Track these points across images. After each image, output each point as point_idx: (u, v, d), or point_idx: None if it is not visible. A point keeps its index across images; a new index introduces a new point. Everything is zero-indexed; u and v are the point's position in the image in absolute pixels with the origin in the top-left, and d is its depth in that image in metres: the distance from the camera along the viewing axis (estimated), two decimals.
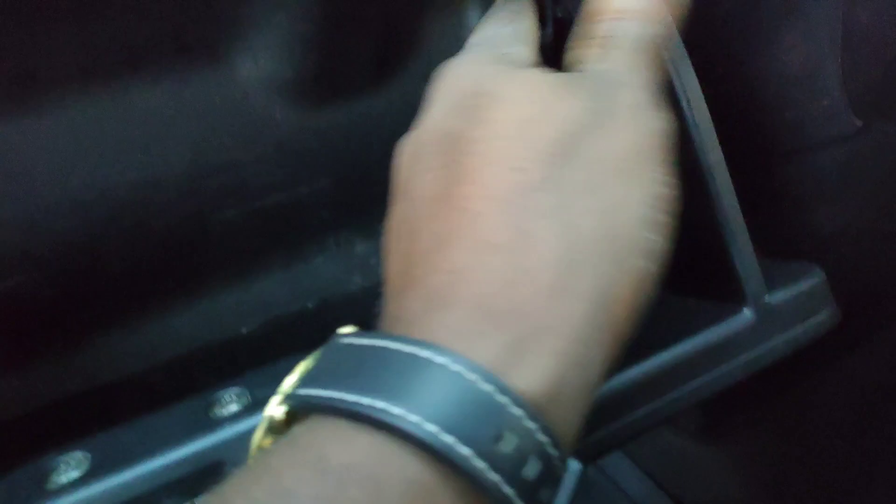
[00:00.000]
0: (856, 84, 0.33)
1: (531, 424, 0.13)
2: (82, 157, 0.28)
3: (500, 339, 0.14)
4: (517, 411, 0.13)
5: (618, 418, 0.26)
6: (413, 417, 0.13)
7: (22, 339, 0.28)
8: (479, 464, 0.13)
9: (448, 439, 0.13)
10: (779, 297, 0.30)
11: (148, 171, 0.30)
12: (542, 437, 0.13)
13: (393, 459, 0.13)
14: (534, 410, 0.13)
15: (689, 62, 0.28)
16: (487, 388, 0.13)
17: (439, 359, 0.13)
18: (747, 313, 0.29)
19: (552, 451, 0.14)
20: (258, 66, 0.31)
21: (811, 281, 0.31)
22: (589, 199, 0.16)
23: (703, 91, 0.29)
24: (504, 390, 0.13)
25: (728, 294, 0.29)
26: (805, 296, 0.31)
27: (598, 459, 0.26)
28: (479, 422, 0.13)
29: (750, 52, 0.36)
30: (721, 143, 0.29)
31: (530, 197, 0.16)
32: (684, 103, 0.28)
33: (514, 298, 0.15)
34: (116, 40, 0.28)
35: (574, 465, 0.24)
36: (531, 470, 0.13)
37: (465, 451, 0.13)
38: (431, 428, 0.13)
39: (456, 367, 0.13)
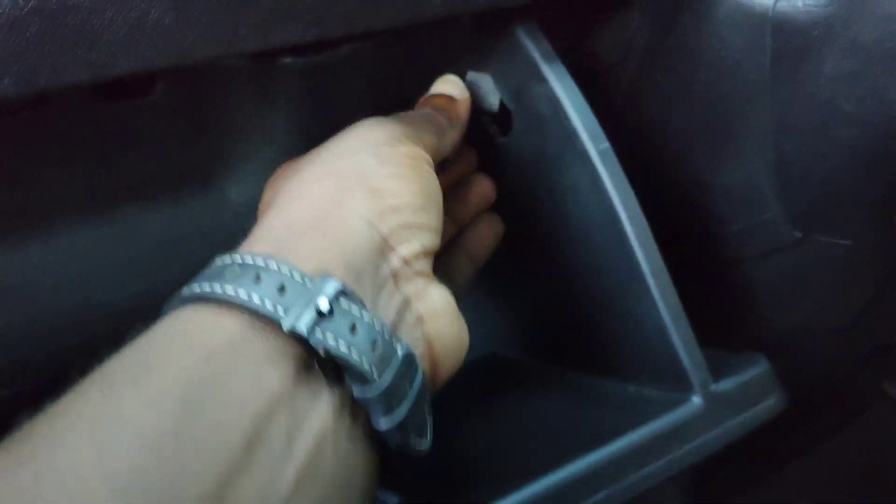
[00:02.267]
0: (792, 201, 0.36)
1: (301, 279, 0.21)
2: (84, 276, 0.32)
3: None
4: (295, 274, 0.20)
5: None
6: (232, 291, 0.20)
7: None
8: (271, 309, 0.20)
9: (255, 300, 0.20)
10: (726, 384, 0.32)
11: (146, 286, 0.33)
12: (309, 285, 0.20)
13: (223, 321, 0.20)
14: (300, 272, 0.21)
15: (622, 175, 0.32)
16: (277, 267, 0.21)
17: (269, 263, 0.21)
18: (696, 401, 0.31)
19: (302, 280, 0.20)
20: (246, 191, 0.35)
21: (757, 369, 0.33)
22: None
23: (659, 201, 0.32)
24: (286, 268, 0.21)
25: (676, 383, 0.32)
26: (751, 382, 0.33)
27: None
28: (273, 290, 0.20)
29: (698, 170, 0.40)
30: (676, 249, 0.32)
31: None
32: (623, 218, 0.31)
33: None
34: (119, 174, 0.31)
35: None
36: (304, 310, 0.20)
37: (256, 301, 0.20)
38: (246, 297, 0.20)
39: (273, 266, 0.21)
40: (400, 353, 0.21)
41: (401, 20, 0.28)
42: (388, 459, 0.23)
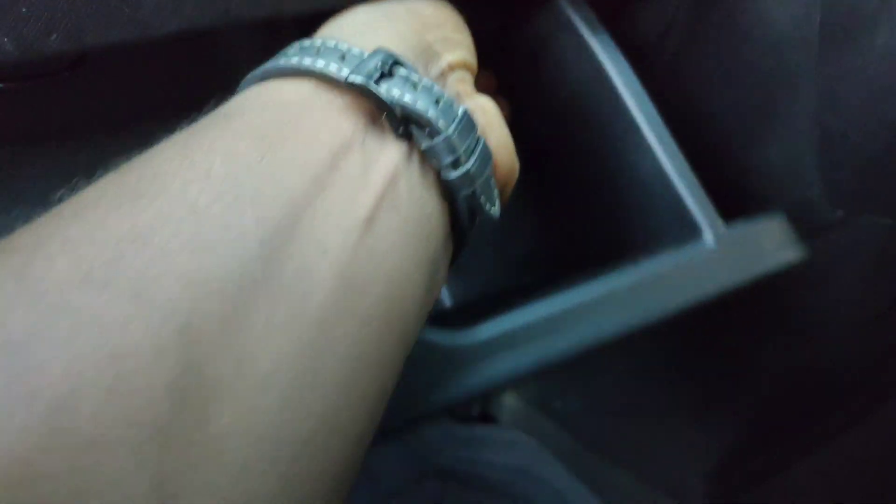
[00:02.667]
0: (835, 179, 0.36)
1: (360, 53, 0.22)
2: None
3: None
4: (353, 49, 0.22)
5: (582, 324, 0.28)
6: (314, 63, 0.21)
7: None
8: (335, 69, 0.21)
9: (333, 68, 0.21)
10: (738, 227, 0.32)
11: None
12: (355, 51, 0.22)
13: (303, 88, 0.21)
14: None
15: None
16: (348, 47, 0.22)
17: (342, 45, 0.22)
18: (707, 239, 0.31)
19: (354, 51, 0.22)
20: None
21: (772, 218, 0.33)
22: None
23: (698, 180, 0.33)
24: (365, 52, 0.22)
25: (685, 230, 0.31)
26: (766, 228, 0.32)
27: (563, 369, 0.28)
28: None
29: (738, 148, 0.39)
30: None
31: None
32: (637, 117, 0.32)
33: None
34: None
35: None
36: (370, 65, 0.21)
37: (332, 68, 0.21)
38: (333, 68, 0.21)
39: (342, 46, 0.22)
40: (460, 110, 0.22)
41: None
42: (461, 226, 0.24)
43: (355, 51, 0.21)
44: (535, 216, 0.42)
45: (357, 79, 0.20)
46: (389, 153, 0.21)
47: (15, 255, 0.15)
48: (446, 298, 0.52)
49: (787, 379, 0.48)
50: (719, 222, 0.31)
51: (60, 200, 0.17)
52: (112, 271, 0.15)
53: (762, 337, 0.45)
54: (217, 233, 0.16)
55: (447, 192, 0.23)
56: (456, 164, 0.22)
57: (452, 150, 0.22)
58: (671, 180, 0.31)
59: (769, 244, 0.32)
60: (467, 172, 0.22)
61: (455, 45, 0.26)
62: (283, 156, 0.18)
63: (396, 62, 0.22)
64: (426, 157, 0.22)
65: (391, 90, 0.21)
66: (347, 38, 0.23)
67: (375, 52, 0.22)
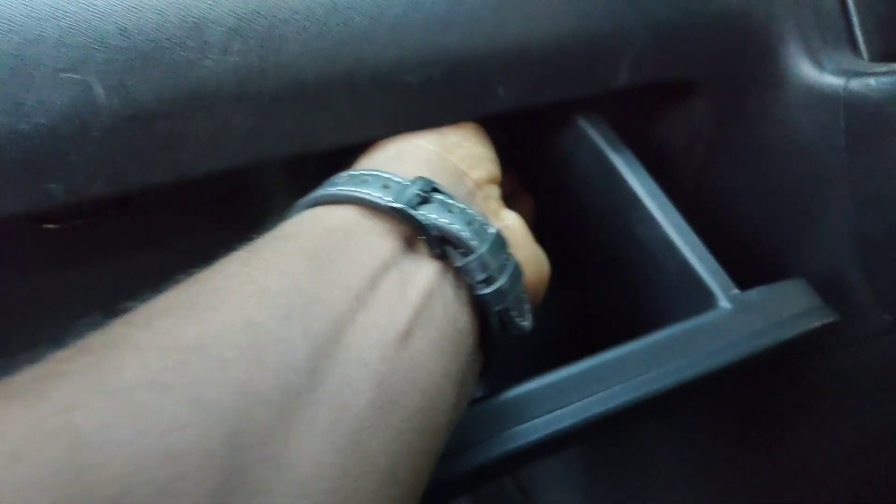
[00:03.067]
0: (881, 282, 0.35)
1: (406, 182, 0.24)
2: None
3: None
4: (395, 178, 0.24)
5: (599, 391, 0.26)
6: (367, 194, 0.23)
7: None
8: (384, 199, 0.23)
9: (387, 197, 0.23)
10: (754, 292, 0.31)
11: None
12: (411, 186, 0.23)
13: (355, 216, 0.23)
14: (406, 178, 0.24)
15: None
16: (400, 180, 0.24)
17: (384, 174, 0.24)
18: (723, 305, 0.30)
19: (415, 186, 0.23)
20: None
21: (791, 282, 0.32)
22: None
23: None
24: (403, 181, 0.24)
25: (700, 298, 0.31)
26: (784, 292, 0.31)
27: (584, 442, 0.26)
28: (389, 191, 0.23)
29: (776, 257, 0.38)
30: None
31: None
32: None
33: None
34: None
35: None
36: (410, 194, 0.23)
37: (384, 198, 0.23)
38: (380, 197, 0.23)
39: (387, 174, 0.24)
40: (492, 230, 0.24)
41: (470, 115, 0.29)
42: (492, 340, 0.25)
43: (397, 178, 0.23)
44: (560, 306, 0.42)
45: (398, 205, 0.22)
46: (425, 272, 0.22)
47: (88, 355, 0.16)
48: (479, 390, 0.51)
49: (855, 494, 0.44)
50: (733, 287, 0.31)
51: (127, 311, 0.18)
52: (175, 376, 0.16)
53: (824, 451, 0.43)
54: (269, 345, 0.17)
55: (480, 307, 0.24)
56: (489, 281, 0.23)
57: (485, 267, 0.23)
58: (680, 251, 0.32)
59: (792, 306, 0.31)
60: (499, 289, 0.23)
61: (478, 160, 0.28)
62: (329, 276, 0.20)
63: (435, 189, 0.24)
64: (460, 275, 0.23)
65: (428, 214, 0.22)
66: (381, 166, 0.25)
67: (416, 180, 0.23)
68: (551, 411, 0.26)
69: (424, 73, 0.26)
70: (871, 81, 0.32)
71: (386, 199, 0.22)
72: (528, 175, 0.39)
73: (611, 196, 0.34)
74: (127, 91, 0.22)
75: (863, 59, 0.37)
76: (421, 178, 0.24)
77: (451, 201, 0.23)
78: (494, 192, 0.28)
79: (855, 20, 0.37)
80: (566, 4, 0.29)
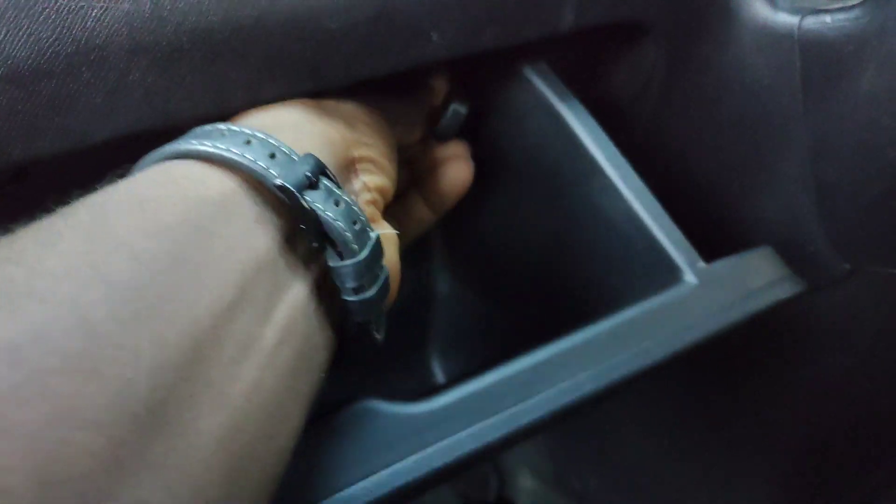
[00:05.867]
0: (838, 230, 0.34)
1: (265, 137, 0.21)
2: None
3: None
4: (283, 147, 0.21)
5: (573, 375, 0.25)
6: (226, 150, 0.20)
7: None
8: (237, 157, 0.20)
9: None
10: (721, 264, 0.29)
11: None
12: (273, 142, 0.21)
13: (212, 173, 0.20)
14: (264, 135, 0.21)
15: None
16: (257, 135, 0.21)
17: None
18: (689, 279, 0.28)
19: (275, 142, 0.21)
20: None
21: (758, 251, 0.31)
22: None
23: (689, 239, 0.31)
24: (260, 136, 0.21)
25: (663, 271, 0.29)
26: (752, 262, 0.30)
27: (551, 428, 0.25)
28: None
29: (732, 204, 0.37)
30: None
31: None
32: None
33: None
34: None
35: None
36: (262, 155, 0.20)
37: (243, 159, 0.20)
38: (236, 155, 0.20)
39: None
40: (373, 235, 0.22)
41: (401, 65, 0.26)
42: (342, 347, 0.23)
43: (285, 148, 0.20)
44: (518, 284, 0.40)
45: (287, 184, 0.19)
46: (298, 287, 0.20)
47: None
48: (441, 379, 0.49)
49: (817, 440, 0.44)
50: (699, 260, 0.29)
51: None
52: None
53: (785, 398, 0.42)
54: (106, 353, 0.14)
55: (342, 314, 0.22)
56: (358, 290, 0.21)
57: (359, 276, 0.21)
58: (644, 224, 0.30)
59: (758, 278, 0.30)
60: (367, 300, 0.21)
61: (379, 169, 0.26)
62: (193, 270, 0.17)
63: (324, 173, 0.21)
64: (328, 287, 0.21)
65: (314, 202, 0.20)
66: (275, 131, 0.21)
67: (306, 158, 0.21)
68: (515, 404, 0.24)
69: (347, 17, 0.24)
70: (827, 19, 0.30)
71: (272, 173, 0.19)
72: (474, 132, 0.36)
73: (567, 160, 0.32)
74: None
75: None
76: (311, 155, 0.21)
77: (338, 192, 0.21)
78: (380, 201, 0.26)
79: None
80: None
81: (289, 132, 0.22)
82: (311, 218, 0.20)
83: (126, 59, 0.21)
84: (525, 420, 0.24)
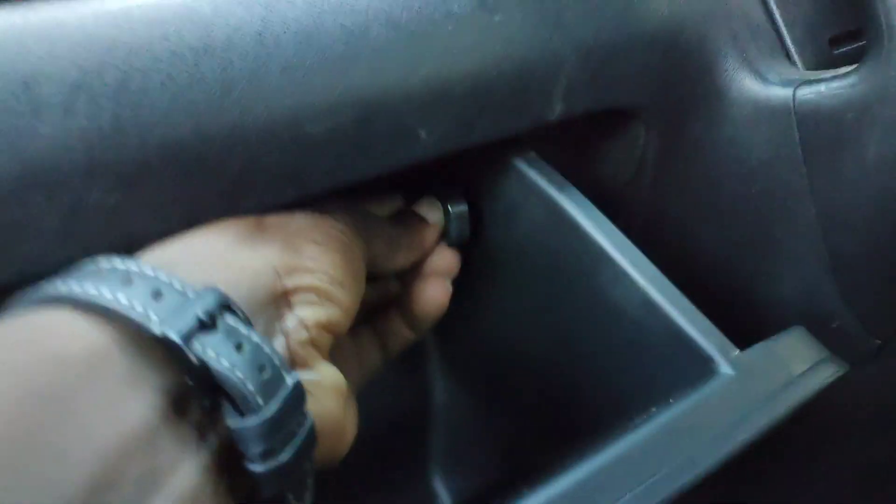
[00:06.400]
0: (861, 303, 0.31)
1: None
2: None
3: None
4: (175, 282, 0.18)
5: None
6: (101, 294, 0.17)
7: None
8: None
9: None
10: (755, 351, 0.26)
11: None
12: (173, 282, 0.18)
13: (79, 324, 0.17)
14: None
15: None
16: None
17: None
18: (724, 370, 0.25)
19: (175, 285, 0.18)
20: None
21: (791, 333, 0.28)
22: None
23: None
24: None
25: (693, 363, 0.26)
26: (787, 346, 0.27)
27: None
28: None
29: (745, 286, 0.35)
30: None
31: None
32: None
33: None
34: None
35: None
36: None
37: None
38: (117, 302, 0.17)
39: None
40: (290, 382, 0.18)
41: (390, 165, 0.25)
42: None
43: (178, 285, 0.17)
44: (524, 390, 0.37)
45: (170, 332, 0.16)
46: (186, 466, 0.17)
47: None
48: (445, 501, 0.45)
49: None
50: (733, 348, 0.26)
51: None
52: None
53: (828, 488, 0.39)
54: None
55: (248, 485, 0.18)
56: (267, 455, 0.17)
57: (266, 437, 0.17)
58: (665, 312, 0.27)
59: (799, 362, 0.27)
60: (280, 467, 0.17)
61: (323, 301, 0.22)
62: (35, 461, 0.14)
63: (228, 307, 0.17)
64: (229, 460, 0.18)
65: (206, 349, 0.16)
66: (181, 263, 0.19)
67: (204, 294, 0.17)
68: None
69: (329, 121, 0.22)
70: (822, 88, 0.30)
71: (152, 318, 0.16)
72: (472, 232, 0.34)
73: (569, 249, 0.30)
74: None
75: (798, 69, 0.35)
76: (213, 289, 0.18)
77: (243, 331, 0.17)
78: (324, 341, 0.22)
79: (784, 31, 0.35)
80: (486, 33, 0.26)
81: (196, 264, 0.19)
82: (201, 370, 0.17)
83: (84, 179, 0.19)
84: None
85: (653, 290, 0.27)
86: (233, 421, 0.17)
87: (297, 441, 0.18)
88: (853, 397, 0.34)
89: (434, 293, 0.31)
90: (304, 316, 0.21)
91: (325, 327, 0.22)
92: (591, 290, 0.29)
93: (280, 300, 0.20)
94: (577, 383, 0.32)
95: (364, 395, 0.42)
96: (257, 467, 0.17)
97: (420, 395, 0.42)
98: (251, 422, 0.17)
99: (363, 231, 0.25)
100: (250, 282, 0.20)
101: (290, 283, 0.21)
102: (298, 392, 0.18)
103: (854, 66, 0.29)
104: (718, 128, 0.33)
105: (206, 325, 0.17)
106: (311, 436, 0.19)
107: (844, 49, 0.37)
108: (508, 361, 0.37)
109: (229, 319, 0.17)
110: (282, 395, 0.17)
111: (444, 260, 0.31)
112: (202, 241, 0.20)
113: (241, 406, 0.17)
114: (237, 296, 0.19)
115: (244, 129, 0.20)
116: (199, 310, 0.17)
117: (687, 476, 0.21)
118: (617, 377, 0.30)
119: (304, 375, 0.20)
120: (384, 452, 0.42)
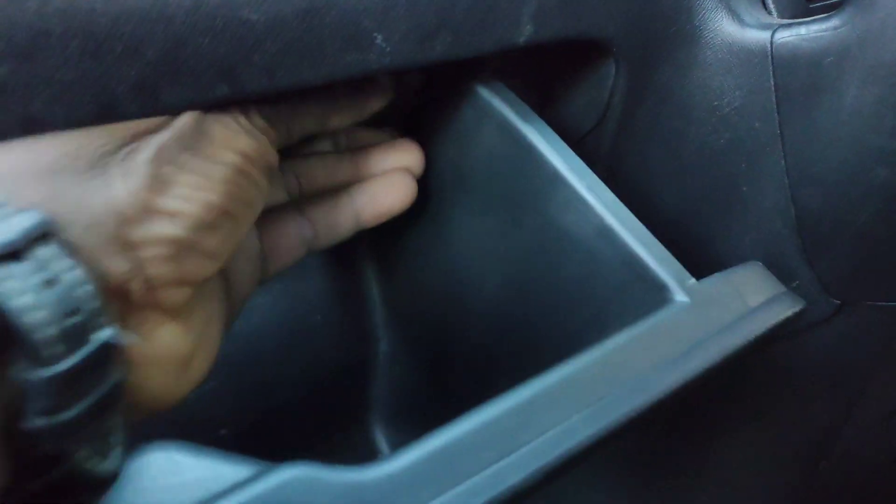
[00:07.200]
0: (824, 262, 0.31)
1: None
2: None
3: None
4: None
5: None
6: None
7: None
8: None
9: None
10: (712, 280, 0.25)
11: None
12: None
13: None
14: None
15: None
16: None
17: None
18: (679, 298, 0.24)
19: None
20: None
21: (747, 267, 0.27)
22: None
23: None
24: None
25: (646, 292, 0.25)
26: (746, 278, 0.26)
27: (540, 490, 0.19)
28: None
29: (704, 239, 0.34)
30: None
31: None
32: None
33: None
34: None
35: None
36: None
37: None
38: None
39: None
40: (102, 337, 0.15)
41: (339, 71, 0.22)
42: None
43: None
44: (474, 331, 0.35)
45: None
46: None
47: None
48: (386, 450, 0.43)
49: (805, 489, 0.41)
50: (689, 277, 0.25)
51: None
52: None
53: (771, 447, 0.38)
54: None
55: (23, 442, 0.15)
56: (53, 411, 0.15)
57: (54, 393, 0.15)
58: (620, 238, 0.26)
59: (756, 295, 0.26)
60: (61, 423, 0.15)
61: (187, 249, 0.19)
62: None
63: (50, 234, 0.15)
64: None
65: (5, 282, 0.14)
66: (16, 176, 0.16)
67: (16, 215, 0.15)
68: (496, 461, 0.18)
69: (271, 7, 0.19)
70: (802, 31, 0.28)
71: None
72: (427, 154, 0.32)
73: (524, 174, 0.28)
74: None
75: (774, 18, 0.33)
76: (32, 211, 0.15)
77: (63, 267, 0.15)
78: (177, 297, 0.19)
79: None
80: None
81: (24, 185, 0.16)
82: None
83: None
84: (510, 481, 0.18)
85: (608, 215, 0.25)
86: (21, 371, 0.14)
87: (90, 399, 0.15)
88: (805, 358, 0.33)
89: (397, 189, 0.28)
90: (152, 274, 0.18)
91: (180, 282, 0.18)
92: (544, 215, 0.27)
93: (122, 252, 0.17)
94: (528, 321, 0.30)
95: (305, 342, 0.39)
96: (34, 422, 0.15)
97: (362, 343, 0.40)
98: (40, 374, 0.14)
99: (285, 113, 0.23)
100: (83, 227, 0.16)
101: (139, 233, 0.17)
102: (106, 352, 0.15)
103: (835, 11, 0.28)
104: (690, 71, 0.31)
105: (10, 253, 0.14)
106: (115, 395, 0.16)
107: (819, 4, 0.35)
108: (457, 304, 0.35)
109: (45, 251, 0.14)
110: (87, 349, 0.15)
111: (409, 154, 0.29)
112: (45, 154, 0.17)
113: (31, 355, 0.14)
114: (71, 216, 0.16)
115: (167, 4, 0.18)
116: (15, 231, 0.14)
117: (637, 400, 0.20)
118: (569, 311, 0.28)
119: (130, 338, 0.17)
120: (324, 401, 0.40)
